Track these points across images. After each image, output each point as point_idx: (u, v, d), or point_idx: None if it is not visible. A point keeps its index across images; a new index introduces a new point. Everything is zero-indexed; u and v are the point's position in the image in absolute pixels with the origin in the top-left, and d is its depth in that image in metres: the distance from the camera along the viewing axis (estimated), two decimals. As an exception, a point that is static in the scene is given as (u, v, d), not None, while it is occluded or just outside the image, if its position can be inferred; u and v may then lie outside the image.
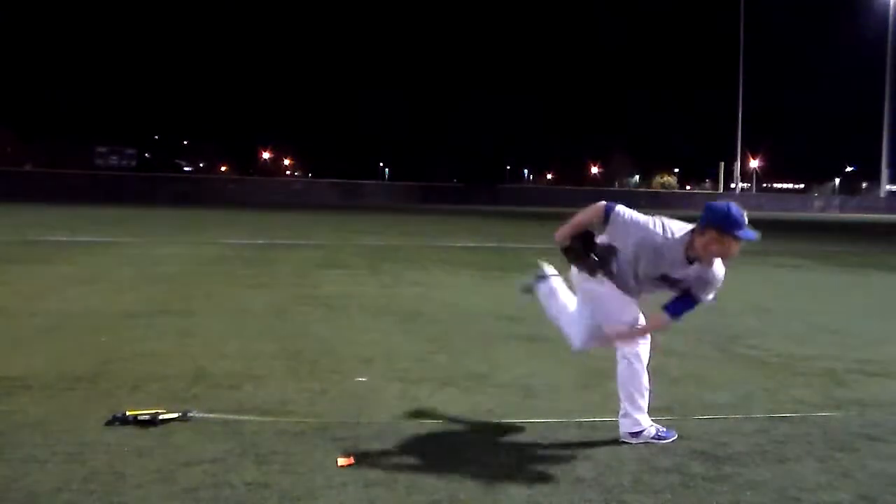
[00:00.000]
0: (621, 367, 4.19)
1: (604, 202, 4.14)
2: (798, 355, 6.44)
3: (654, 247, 4.00)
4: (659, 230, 4.00)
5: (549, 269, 4.78)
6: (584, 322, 4.41)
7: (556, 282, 4.72)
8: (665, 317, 4.15)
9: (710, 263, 4.01)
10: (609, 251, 4.09)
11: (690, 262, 4.00)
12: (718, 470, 3.75)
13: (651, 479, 3.62)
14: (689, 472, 3.71)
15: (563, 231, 4.15)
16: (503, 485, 3.50)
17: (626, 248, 4.05)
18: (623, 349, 4.18)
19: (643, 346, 4.19)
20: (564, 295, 4.64)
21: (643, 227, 4.02)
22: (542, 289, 4.76)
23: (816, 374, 5.80)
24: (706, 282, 4.06)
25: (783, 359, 6.30)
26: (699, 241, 3.94)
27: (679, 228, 4.03)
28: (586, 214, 4.14)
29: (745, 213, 3.92)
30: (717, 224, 3.89)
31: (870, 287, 12.05)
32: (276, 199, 43.46)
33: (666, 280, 4.08)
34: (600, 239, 4.16)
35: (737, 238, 3.90)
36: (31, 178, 45.09)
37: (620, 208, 4.08)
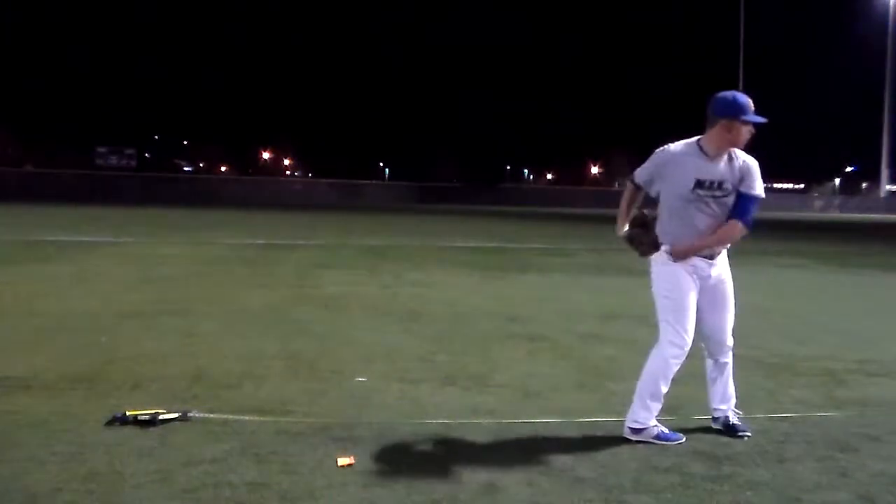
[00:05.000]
0: (651, 358, 4.23)
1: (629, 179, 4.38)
2: (798, 355, 6.44)
3: (672, 159, 4.17)
4: (667, 146, 4.25)
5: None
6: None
7: None
8: (736, 222, 4.16)
9: (732, 155, 4.15)
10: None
11: (710, 157, 4.10)
12: (718, 470, 3.75)
13: (651, 479, 3.62)
14: (689, 472, 3.71)
15: (618, 223, 4.38)
16: (503, 485, 3.50)
17: (664, 184, 4.18)
18: (666, 345, 4.18)
19: (681, 349, 4.20)
20: None
21: (657, 156, 4.26)
22: None
23: (816, 374, 5.79)
24: (744, 173, 4.15)
25: (783, 359, 6.30)
26: (710, 135, 4.12)
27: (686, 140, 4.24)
28: (623, 198, 4.42)
29: (749, 100, 4.10)
30: (724, 113, 4.06)
31: (870, 287, 12.04)
32: (275, 199, 43.46)
33: (707, 188, 4.10)
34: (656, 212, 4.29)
35: (745, 122, 4.07)
36: (31, 178, 45.09)
37: (638, 170, 4.36)
